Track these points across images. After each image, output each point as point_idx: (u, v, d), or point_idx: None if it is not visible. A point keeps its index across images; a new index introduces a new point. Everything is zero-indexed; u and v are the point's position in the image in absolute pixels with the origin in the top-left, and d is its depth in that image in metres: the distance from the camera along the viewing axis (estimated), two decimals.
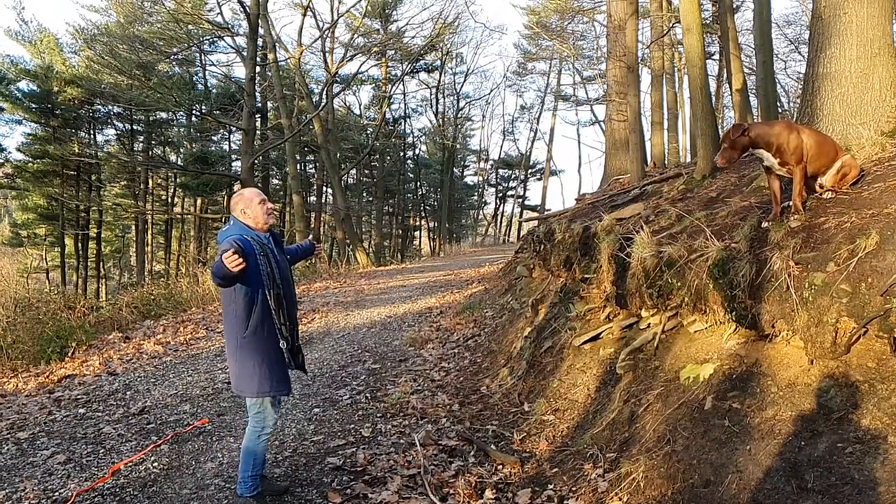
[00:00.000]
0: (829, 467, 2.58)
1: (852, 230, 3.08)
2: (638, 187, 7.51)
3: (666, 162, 11.83)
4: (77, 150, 24.37)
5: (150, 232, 29.90)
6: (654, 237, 4.43)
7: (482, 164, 45.14)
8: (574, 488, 3.48)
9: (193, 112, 24.86)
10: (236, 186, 23.17)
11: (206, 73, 27.63)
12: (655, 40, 12.12)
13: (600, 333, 4.89)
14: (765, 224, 3.68)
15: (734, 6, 12.72)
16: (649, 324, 4.37)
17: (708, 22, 13.78)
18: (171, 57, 23.28)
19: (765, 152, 3.60)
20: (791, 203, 3.61)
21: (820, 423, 2.77)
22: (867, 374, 2.78)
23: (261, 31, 19.04)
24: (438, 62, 32.98)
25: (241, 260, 3.12)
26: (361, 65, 27.40)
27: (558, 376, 4.96)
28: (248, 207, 3.52)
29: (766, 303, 3.23)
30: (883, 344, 2.79)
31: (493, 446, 4.28)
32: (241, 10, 18.31)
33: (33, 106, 23.95)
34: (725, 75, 12.27)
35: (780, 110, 10.57)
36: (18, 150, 25.10)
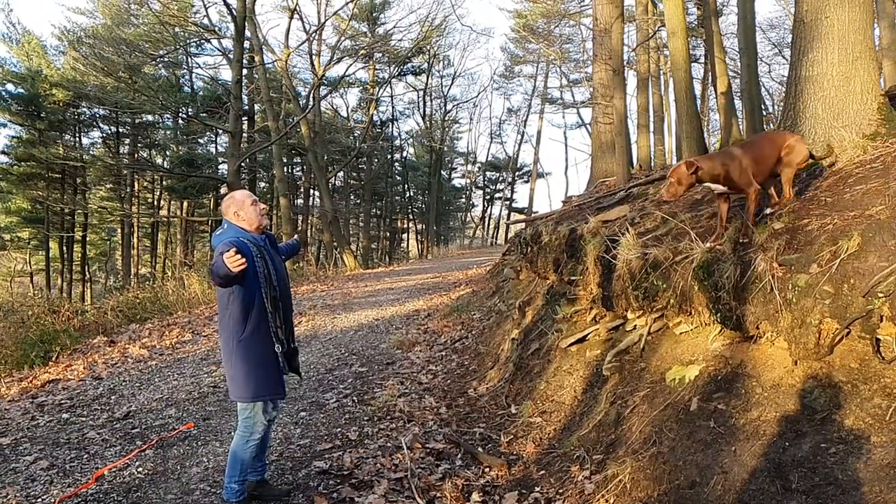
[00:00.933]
0: (812, 468, 2.60)
1: (835, 232, 3.11)
2: (624, 190, 7.55)
3: (652, 164, 11.92)
4: (62, 153, 24.12)
5: (135, 235, 29.58)
6: (640, 239, 4.45)
7: (469, 167, 45.22)
8: (561, 490, 3.48)
9: (180, 114, 24.67)
10: (223, 189, 23.03)
11: (193, 75, 27.48)
12: (641, 44, 12.21)
13: (587, 335, 4.90)
14: (708, 244, 3.73)
15: (719, 10, 12.85)
16: (635, 325, 4.39)
17: (693, 25, 13.92)
18: (158, 59, 23.08)
19: (713, 185, 3.69)
20: (744, 222, 3.70)
21: (804, 424, 2.79)
22: (850, 375, 2.80)
23: (247, 33, 18.93)
24: (426, 65, 33.00)
25: (242, 259, 3.09)
26: (348, 67, 27.35)
27: (545, 378, 4.96)
28: (241, 210, 3.49)
29: (750, 304, 3.25)
30: (865, 345, 2.82)
31: (480, 449, 4.27)
32: (228, 12, 18.18)
33: (19, 108, 23.66)
34: (710, 78, 12.39)
35: (763, 113, 10.69)
36: (3, 152, 24.87)
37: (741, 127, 9.09)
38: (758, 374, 3.19)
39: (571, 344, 4.98)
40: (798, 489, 2.57)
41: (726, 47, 11.41)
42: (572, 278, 5.67)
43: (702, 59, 17.31)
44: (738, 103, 12.05)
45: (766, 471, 2.72)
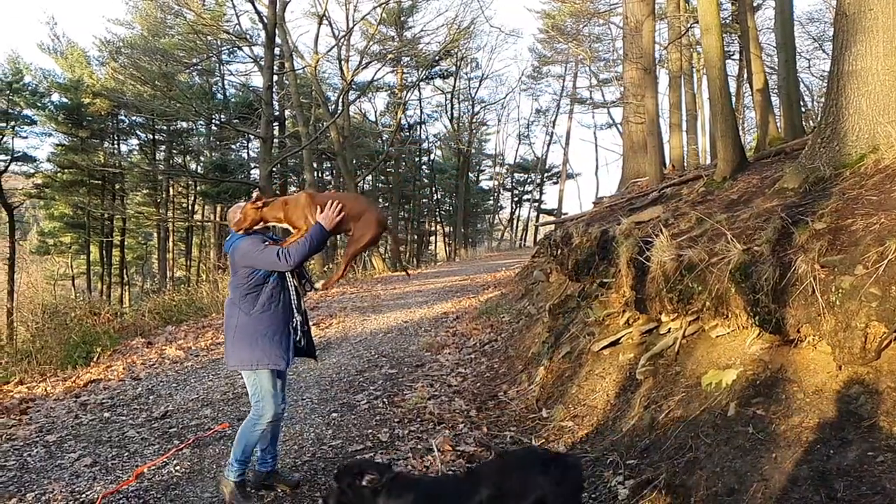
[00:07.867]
0: (859, 476, 2.51)
1: (881, 232, 3.00)
2: (657, 190, 7.43)
3: (685, 164, 11.70)
4: (103, 160, 24.87)
5: (171, 239, 30.31)
6: (674, 241, 4.36)
7: (497, 169, 44.92)
8: (594, 495, 3.43)
9: (213, 121, 25.17)
10: (255, 193, 23.35)
11: (225, 82, 28.02)
12: (673, 41, 12.01)
13: (620, 338, 4.83)
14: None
15: (754, 4, 12.56)
16: (670, 329, 4.31)
17: (727, 21, 13.63)
18: (192, 67, 23.62)
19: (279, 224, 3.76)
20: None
21: (849, 431, 2.69)
22: None
23: (278, 40, 19.21)
24: (453, 68, 32.97)
25: (338, 205, 3.50)
26: (377, 72, 27.40)
27: (577, 382, 4.91)
28: None
29: (790, 307, 3.15)
30: None
31: None
32: (259, 20, 18.46)
33: (63, 117, 24.53)
34: (746, 75, 12.12)
35: (802, 110, 10.41)
36: (48, 160, 25.83)
37: (779, 124, 8.85)
38: (799, 378, 3.10)
39: (604, 347, 4.91)
40: (843, 499, 2.48)
41: (762, 43, 11.14)
42: (604, 281, 5.60)
43: (736, 56, 16.90)
44: (774, 100, 11.75)
45: (810, 479, 2.63)
